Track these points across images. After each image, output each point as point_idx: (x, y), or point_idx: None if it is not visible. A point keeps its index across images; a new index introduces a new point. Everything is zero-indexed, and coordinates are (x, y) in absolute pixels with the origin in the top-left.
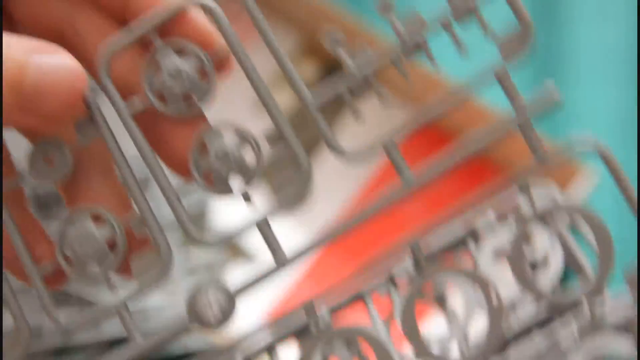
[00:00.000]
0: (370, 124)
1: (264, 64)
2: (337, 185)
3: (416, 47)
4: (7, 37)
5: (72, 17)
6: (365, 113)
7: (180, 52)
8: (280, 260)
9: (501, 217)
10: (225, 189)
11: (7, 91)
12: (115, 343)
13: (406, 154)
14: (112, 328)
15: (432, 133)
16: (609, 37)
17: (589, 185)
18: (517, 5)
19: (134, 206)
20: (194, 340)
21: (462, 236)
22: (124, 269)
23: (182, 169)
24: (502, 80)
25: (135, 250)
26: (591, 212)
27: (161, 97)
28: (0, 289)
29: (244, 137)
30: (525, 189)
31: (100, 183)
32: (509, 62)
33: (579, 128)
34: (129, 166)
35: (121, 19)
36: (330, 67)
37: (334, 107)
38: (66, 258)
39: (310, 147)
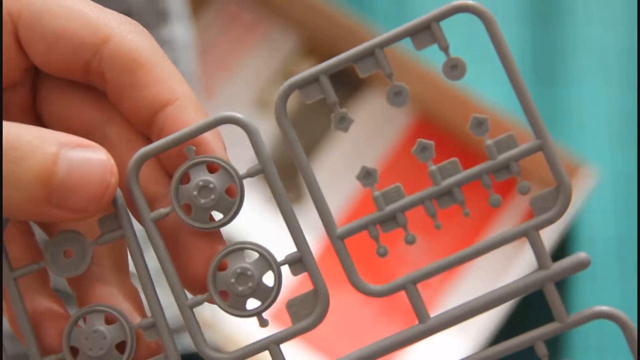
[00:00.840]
0: (370, 126)
1: (263, 65)
2: (336, 185)
3: (507, 168)
4: (41, 129)
5: (102, 125)
6: (365, 112)
7: (210, 167)
8: None
9: None
10: (241, 310)
11: (37, 184)
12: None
13: (406, 155)
14: None
15: (432, 133)
16: (609, 37)
17: (589, 185)
18: (556, 165)
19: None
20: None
21: None
22: None
23: (197, 283)
24: (532, 239)
25: (143, 357)
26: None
27: (187, 210)
28: (0, 289)
29: (267, 261)
30: None
31: (114, 283)
32: (540, 222)
33: (579, 128)
34: (147, 268)
35: (146, 133)
36: None
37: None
38: (73, 350)
39: (311, 148)
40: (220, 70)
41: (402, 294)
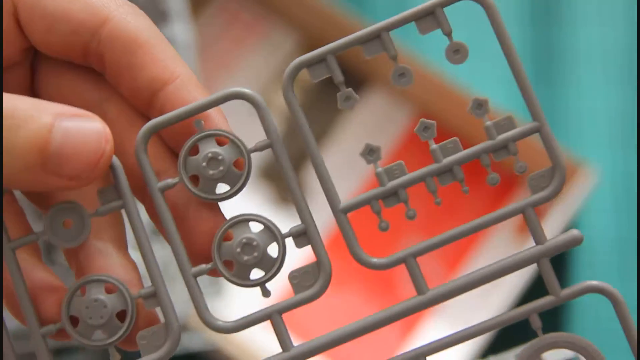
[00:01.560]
0: (371, 122)
1: (263, 64)
2: (336, 185)
3: (505, 148)
4: (38, 100)
5: (101, 104)
6: (366, 112)
7: (218, 141)
8: (290, 355)
9: None
10: (244, 280)
11: (32, 151)
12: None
13: (406, 154)
14: None
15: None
16: (609, 37)
17: (589, 185)
18: (553, 145)
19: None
20: (194, 340)
21: None
22: (128, 341)
23: (200, 253)
24: (528, 216)
25: (142, 326)
26: (591, 346)
27: (194, 181)
28: (0, 289)
29: (271, 233)
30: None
31: (113, 256)
32: (537, 199)
33: (579, 128)
34: (147, 237)
35: (145, 113)
36: None
37: (335, 106)
38: (72, 319)
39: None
40: (220, 70)
41: (402, 293)
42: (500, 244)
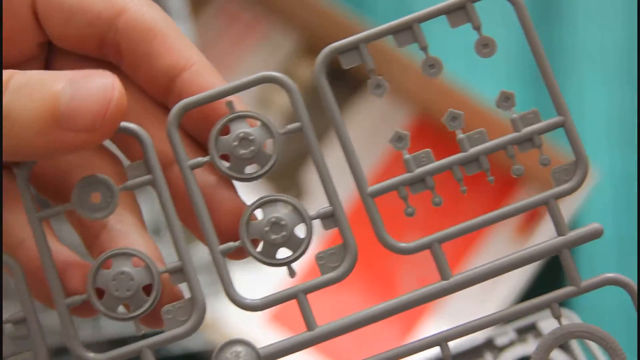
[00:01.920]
0: (371, 122)
1: (263, 64)
2: (337, 183)
3: (530, 140)
4: (52, 71)
5: None
6: (366, 111)
7: (248, 122)
8: (314, 334)
9: (521, 335)
10: (271, 259)
11: (45, 112)
12: (115, 343)
13: (407, 152)
14: (111, 328)
15: (431, 132)
16: (609, 37)
17: (589, 185)
18: (576, 140)
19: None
20: (194, 340)
21: (479, 345)
22: (153, 316)
23: (227, 232)
24: (551, 207)
25: (166, 302)
26: (608, 336)
27: (225, 160)
28: (0, 288)
29: (299, 214)
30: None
31: (136, 238)
32: (560, 191)
33: (579, 128)
34: (174, 212)
35: (162, 100)
36: (330, 68)
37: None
38: (97, 292)
39: None
40: (220, 69)
41: (402, 293)
42: (500, 243)
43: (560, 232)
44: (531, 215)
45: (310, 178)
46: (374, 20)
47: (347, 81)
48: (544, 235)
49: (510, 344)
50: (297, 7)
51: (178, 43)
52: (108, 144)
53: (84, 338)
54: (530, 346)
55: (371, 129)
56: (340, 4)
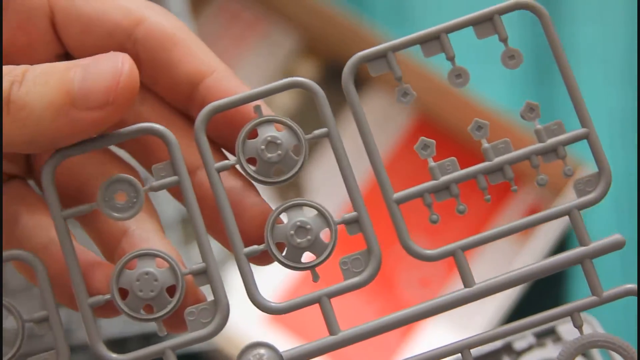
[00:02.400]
0: (371, 122)
1: (263, 64)
2: (337, 184)
3: (554, 152)
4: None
5: (135, 106)
6: (366, 112)
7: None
8: (337, 339)
9: (540, 339)
10: (295, 262)
11: (59, 95)
12: (115, 343)
13: (407, 153)
14: (112, 328)
15: (433, 132)
16: (609, 38)
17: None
18: (599, 152)
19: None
20: None
21: (498, 349)
22: (175, 318)
23: (251, 235)
24: (574, 217)
25: (189, 304)
26: (629, 347)
27: (251, 164)
28: (0, 289)
29: (324, 219)
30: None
31: (157, 243)
32: (583, 202)
33: (579, 128)
34: (200, 214)
35: (184, 110)
36: (330, 67)
37: (336, 105)
38: (121, 292)
39: (312, 146)
40: None
41: (402, 294)
42: (501, 243)
43: (582, 242)
44: (534, 212)
45: (310, 178)
46: (374, 20)
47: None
48: (545, 236)
49: (529, 348)
50: (297, 7)
51: (198, 50)
52: (124, 155)
53: (83, 338)
54: (549, 350)
55: (372, 129)
56: (340, 4)
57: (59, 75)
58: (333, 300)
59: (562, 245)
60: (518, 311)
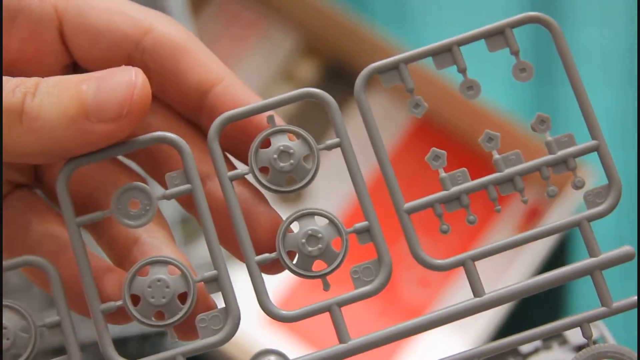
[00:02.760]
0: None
1: (263, 64)
2: (337, 185)
3: (565, 163)
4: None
5: (146, 120)
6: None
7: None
8: (346, 347)
9: (546, 342)
10: (307, 271)
11: (72, 105)
12: (115, 343)
13: (407, 154)
14: (111, 328)
15: (432, 132)
16: (609, 38)
17: (588, 184)
18: (609, 163)
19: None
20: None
21: (504, 353)
22: (186, 325)
23: (262, 244)
24: (584, 229)
25: (200, 311)
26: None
27: (264, 172)
28: (0, 288)
29: (335, 228)
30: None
31: (166, 249)
32: (593, 214)
33: (579, 128)
34: (212, 222)
35: (193, 118)
36: (330, 67)
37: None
38: (132, 299)
39: None
40: None
41: (402, 294)
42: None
43: (592, 253)
44: (531, 214)
45: (312, 189)
46: (374, 20)
47: (347, 81)
48: (544, 240)
49: (535, 351)
50: (297, 7)
51: (206, 58)
52: (134, 165)
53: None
54: (555, 353)
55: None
56: (340, 3)
57: (73, 87)
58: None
59: (562, 246)
60: (518, 312)
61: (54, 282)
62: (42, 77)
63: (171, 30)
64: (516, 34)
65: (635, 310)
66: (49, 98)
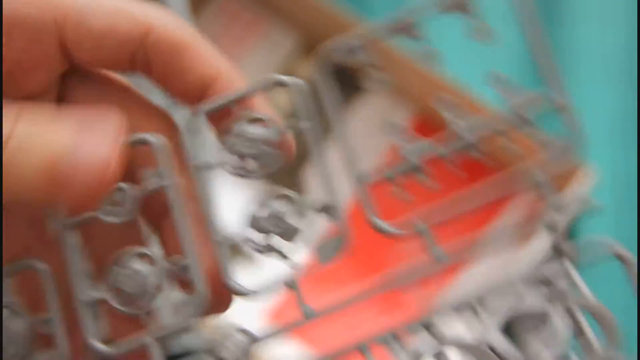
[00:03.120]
0: (371, 122)
1: (263, 64)
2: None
3: (523, 120)
4: (60, 111)
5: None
6: (366, 111)
7: (255, 122)
8: (308, 314)
9: None
10: (269, 250)
11: (41, 169)
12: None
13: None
14: None
15: (431, 132)
16: (609, 38)
17: (589, 185)
18: (571, 118)
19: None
20: (194, 339)
21: None
22: (160, 313)
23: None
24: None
25: (174, 298)
26: (603, 309)
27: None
28: (0, 288)
29: (299, 206)
30: (542, 185)
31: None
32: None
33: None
34: (185, 215)
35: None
36: (331, 67)
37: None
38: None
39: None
40: None
41: (401, 298)
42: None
43: None
44: (532, 214)
45: (310, 175)
46: (374, 20)
47: (347, 81)
48: (545, 237)
49: None
50: (297, 7)
51: (206, 54)
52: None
53: None
54: None
55: (371, 128)
56: (340, 3)
57: (47, 150)
58: (329, 295)
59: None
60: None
61: (45, 281)
62: (39, 86)
63: (173, 26)
64: (515, 35)
65: (635, 311)
66: (21, 156)
